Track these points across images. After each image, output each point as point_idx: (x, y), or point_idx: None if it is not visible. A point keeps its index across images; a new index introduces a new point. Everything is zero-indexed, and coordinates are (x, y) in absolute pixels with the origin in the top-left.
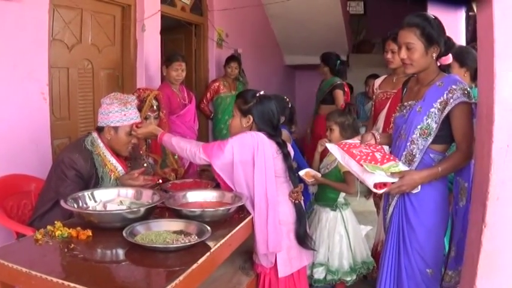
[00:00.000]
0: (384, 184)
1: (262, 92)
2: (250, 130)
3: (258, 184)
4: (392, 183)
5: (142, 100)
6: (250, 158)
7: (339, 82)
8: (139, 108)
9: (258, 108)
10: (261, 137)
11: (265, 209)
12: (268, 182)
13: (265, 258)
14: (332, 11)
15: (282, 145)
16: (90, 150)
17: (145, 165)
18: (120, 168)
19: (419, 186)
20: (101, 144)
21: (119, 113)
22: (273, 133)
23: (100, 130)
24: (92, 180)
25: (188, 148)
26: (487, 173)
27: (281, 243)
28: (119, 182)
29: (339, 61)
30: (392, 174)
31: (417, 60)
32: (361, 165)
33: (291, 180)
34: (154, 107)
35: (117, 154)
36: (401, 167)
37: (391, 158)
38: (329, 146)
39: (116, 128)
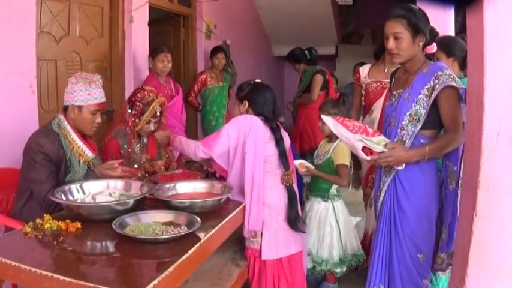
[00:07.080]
0: (371, 152)
1: (258, 80)
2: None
3: (247, 166)
4: (380, 153)
5: (146, 104)
6: (243, 141)
7: (318, 68)
8: (142, 112)
9: (252, 94)
10: (255, 121)
11: (250, 190)
12: (256, 165)
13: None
14: (321, 2)
15: (275, 130)
16: (57, 132)
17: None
18: (88, 151)
19: (404, 164)
20: (68, 127)
21: (83, 92)
22: (269, 116)
23: (66, 110)
24: (62, 163)
25: (192, 144)
26: (477, 162)
27: (260, 223)
28: (97, 171)
29: (306, 51)
30: (385, 146)
31: (405, 49)
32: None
33: (282, 164)
34: (158, 113)
35: (84, 137)
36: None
37: (382, 135)
38: (324, 117)
39: (80, 107)
